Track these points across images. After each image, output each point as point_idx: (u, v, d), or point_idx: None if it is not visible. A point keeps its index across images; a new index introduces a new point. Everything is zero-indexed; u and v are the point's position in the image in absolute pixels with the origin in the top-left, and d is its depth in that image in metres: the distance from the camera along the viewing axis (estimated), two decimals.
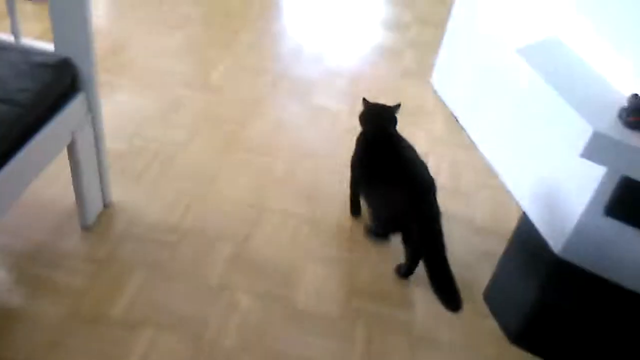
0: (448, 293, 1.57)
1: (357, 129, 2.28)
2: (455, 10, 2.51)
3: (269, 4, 3.28)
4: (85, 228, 1.79)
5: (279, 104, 2.48)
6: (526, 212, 1.72)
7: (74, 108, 1.55)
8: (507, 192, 2.16)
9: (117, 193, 1.92)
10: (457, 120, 2.51)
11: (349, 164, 2.19)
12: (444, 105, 2.60)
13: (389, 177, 1.70)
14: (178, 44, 2.79)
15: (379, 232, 1.86)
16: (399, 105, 1.91)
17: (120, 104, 2.34)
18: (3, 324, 1.50)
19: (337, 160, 2.20)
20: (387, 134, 1.85)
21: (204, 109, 2.37)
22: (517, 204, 2.11)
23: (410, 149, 1.80)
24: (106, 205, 1.87)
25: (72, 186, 1.74)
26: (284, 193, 2.03)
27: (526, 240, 1.67)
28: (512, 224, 2.00)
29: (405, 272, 1.77)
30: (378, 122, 1.88)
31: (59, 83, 1.48)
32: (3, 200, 1.36)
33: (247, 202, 1.97)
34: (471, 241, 1.94)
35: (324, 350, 1.55)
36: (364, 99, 1.93)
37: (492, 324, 1.69)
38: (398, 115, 1.89)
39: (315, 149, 2.25)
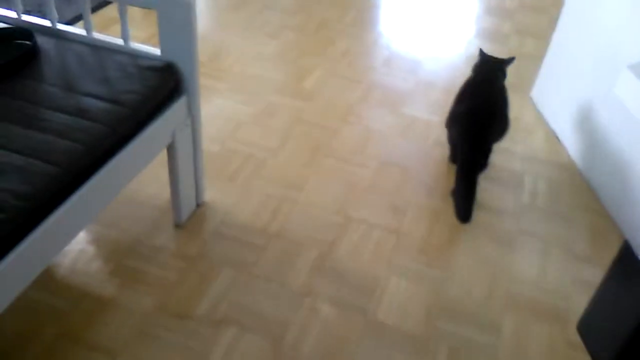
0: (464, 206, 1.89)
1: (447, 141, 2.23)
2: (562, 22, 2.39)
3: (365, 14, 3.29)
4: (178, 225, 1.86)
5: (371, 112, 2.47)
6: (629, 240, 1.60)
7: (176, 110, 1.62)
8: (609, 218, 2.02)
9: (210, 193, 1.99)
10: (557, 138, 2.38)
11: (439, 176, 2.14)
12: (544, 121, 2.48)
13: (463, 108, 2.01)
14: (274, 52, 2.85)
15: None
16: (512, 59, 2.13)
17: (216, 107, 2.43)
18: (98, 311, 1.59)
19: (426, 172, 2.16)
20: (485, 80, 2.09)
21: (297, 116, 2.41)
22: (619, 231, 1.97)
23: (498, 95, 2.05)
24: (199, 204, 1.94)
25: (168, 184, 1.81)
26: (371, 203, 2.01)
27: (627, 270, 1.55)
28: (613, 252, 1.88)
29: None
30: (483, 69, 2.13)
31: (163, 86, 1.56)
32: (105, 194, 1.44)
33: (333, 210, 1.97)
34: (568, 268, 1.83)
35: None
36: (481, 50, 2.19)
37: (584, 357, 1.58)
38: (508, 68, 2.14)
39: (404, 160, 2.21)
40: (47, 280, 1.66)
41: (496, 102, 2.04)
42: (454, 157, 2.16)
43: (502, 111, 2.05)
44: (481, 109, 1.99)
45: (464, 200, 1.90)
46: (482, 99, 2.03)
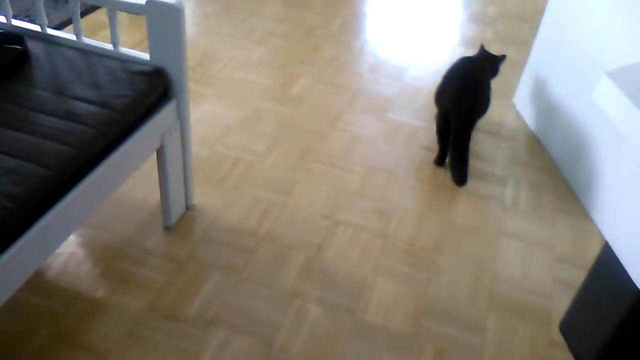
0: (461, 172, 2.13)
1: (433, 146, 2.27)
2: (543, 29, 2.45)
3: (352, 21, 3.33)
4: (168, 228, 1.88)
5: (357, 118, 2.50)
6: (609, 242, 1.64)
7: (165, 114, 1.64)
8: (590, 220, 2.07)
9: (199, 197, 2.01)
10: (539, 142, 2.44)
11: (424, 180, 2.18)
12: (525, 126, 2.54)
13: (454, 85, 2.19)
14: (261, 58, 2.88)
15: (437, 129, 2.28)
16: (503, 56, 2.39)
17: (205, 112, 2.45)
18: (89, 313, 1.60)
19: (411, 176, 2.20)
20: (476, 62, 2.29)
21: (284, 121, 2.44)
22: (600, 233, 2.02)
23: (484, 78, 2.25)
24: (188, 207, 1.95)
25: (158, 188, 1.83)
26: (358, 207, 2.04)
27: (607, 272, 1.59)
28: (594, 253, 1.93)
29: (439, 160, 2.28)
30: (477, 59, 2.33)
31: (153, 91, 1.57)
32: (96, 198, 1.45)
33: (321, 213, 2.00)
34: (550, 269, 1.88)
35: None
36: (482, 45, 2.43)
37: (566, 355, 1.62)
38: (500, 67, 2.40)
39: (390, 165, 2.25)
40: (39, 282, 1.67)
41: (483, 82, 2.22)
42: (439, 158, 2.26)
43: (487, 92, 2.23)
44: (471, 86, 2.17)
45: (459, 167, 2.13)
46: (472, 77, 2.21)
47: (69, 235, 1.40)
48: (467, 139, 2.12)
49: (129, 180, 2.02)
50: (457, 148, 2.12)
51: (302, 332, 1.61)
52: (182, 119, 1.73)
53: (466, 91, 2.14)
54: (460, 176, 2.13)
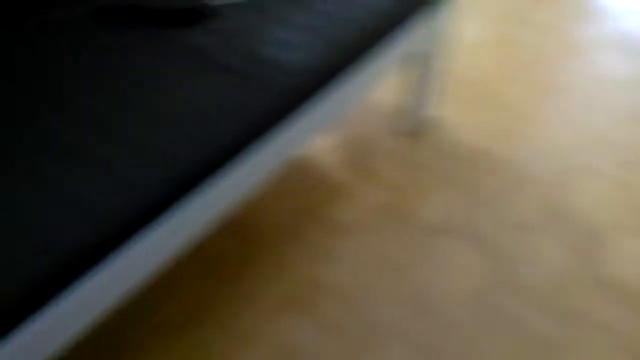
0: None
1: None
2: None
3: None
4: (410, 134, 1.91)
5: (603, 56, 2.23)
6: None
7: (430, 22, 1.61)
8: None
9: (443, 110, 2.00)
10: None
11: None
12: None
13: None
14: None
15: None
16: None
17: (457, 29, 2.37)
18: (331, 196, 1.72)
19: None
20: None
21: (531, 49, 2.29)
22: None
23: None
24: (431, 118, 1.96)
25: (401, 94, 1.85)
26: (603, 152, 1.86)
27: None
28: None
29: None
30: None
31: None
32: (353, 97, 1.49)
33: (565, 152, 1.86)
34: None
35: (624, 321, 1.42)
36: None
37: None
38: None
39: None
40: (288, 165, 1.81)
41: None
42: None
43: None
44: None
45: None
46: None
47: (324, 128, 1.46)
48: None
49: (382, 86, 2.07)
50: None
51: (537, 266, 1.54)
52: (442, 30, 1.68)
53: None
54: None
